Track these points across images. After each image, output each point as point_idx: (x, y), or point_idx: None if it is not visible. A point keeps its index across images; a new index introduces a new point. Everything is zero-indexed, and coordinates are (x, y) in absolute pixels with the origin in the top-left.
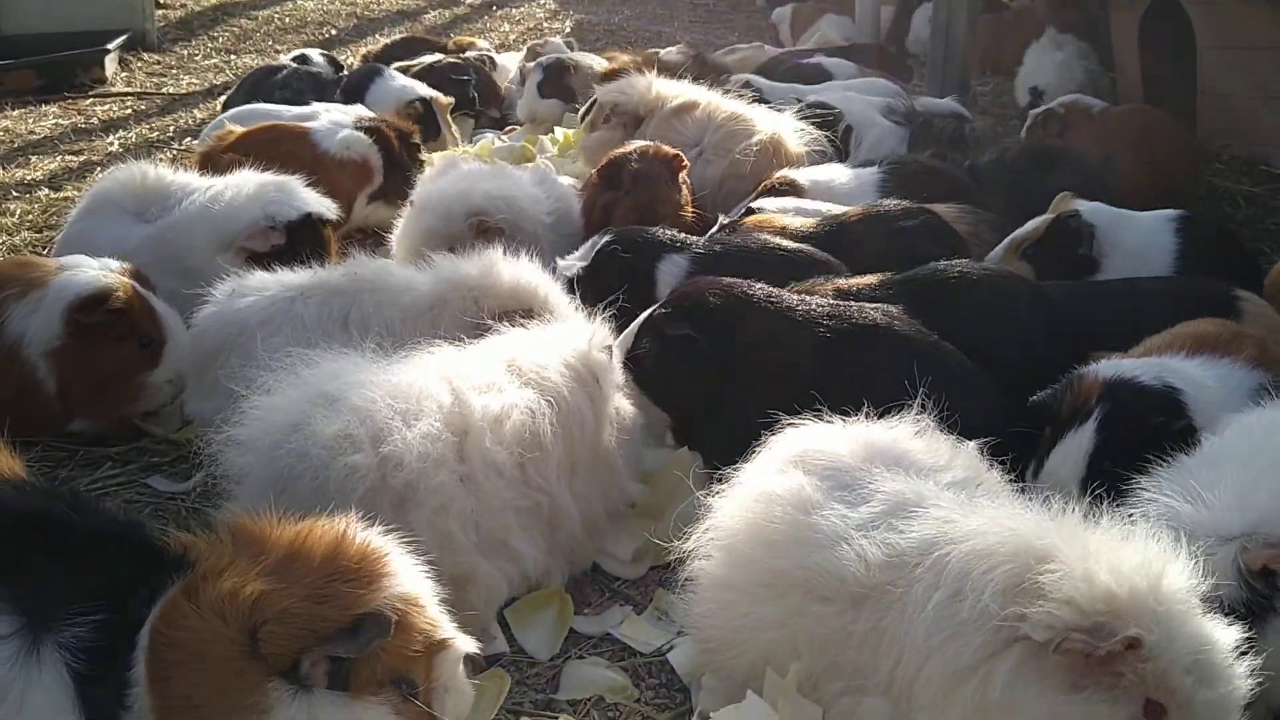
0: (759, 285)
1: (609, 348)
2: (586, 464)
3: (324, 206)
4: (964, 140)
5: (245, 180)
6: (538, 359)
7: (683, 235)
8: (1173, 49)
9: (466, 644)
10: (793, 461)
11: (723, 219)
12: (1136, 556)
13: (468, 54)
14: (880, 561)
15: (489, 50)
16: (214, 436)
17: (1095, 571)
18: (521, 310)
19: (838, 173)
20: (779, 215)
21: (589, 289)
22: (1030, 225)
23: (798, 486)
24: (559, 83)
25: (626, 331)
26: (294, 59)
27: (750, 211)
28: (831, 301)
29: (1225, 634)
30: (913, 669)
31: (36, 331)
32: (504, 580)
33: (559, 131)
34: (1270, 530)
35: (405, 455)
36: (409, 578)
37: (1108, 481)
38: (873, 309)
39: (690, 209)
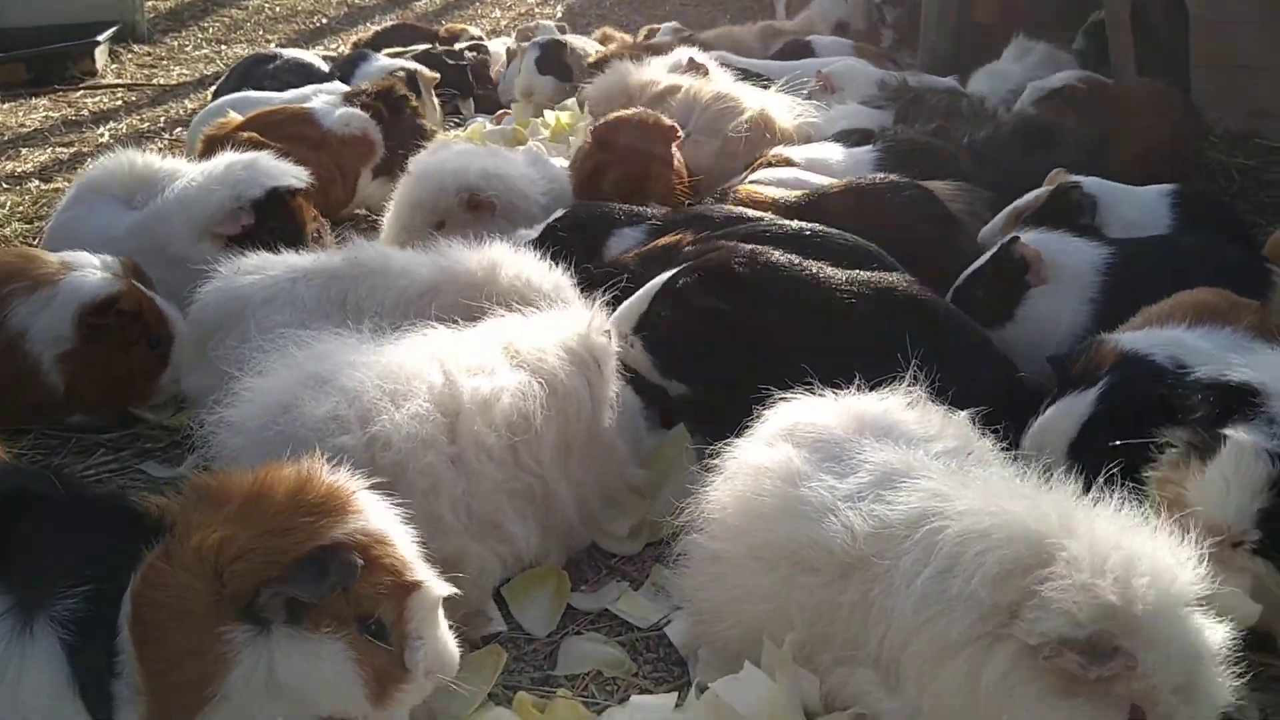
0: (780, 253)
1: (609, 332)
2: (583, 447)
3: (291, 177)
4: (960, 115)
5: (218, 162)
6: (534, 342)
7: (642, 209)
8: (1165, 22)
9: (442, 588)
10: (782, 435)
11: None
12: (1145, 562)
13: (460, 42)
14: (867, 533)
15: (480, 36)
16: (206, 417)
17: (1097, 584)
18: (524, 306)
19: (832, 150)
20: (766, 189)
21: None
22: (1030, 196)
23: (786, 459)
24: (557, 60)
25: (637, 296)
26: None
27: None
28: (850, 272)
29: (1216, 642)
30: (899, 642)
31: (43, 330)
32: (497, 561)
33: (550, 115)
34: None
35: (393, 436)
36: (377, 515)
37: (1097, 453)
38: (892, 278)
39: (683, 185)
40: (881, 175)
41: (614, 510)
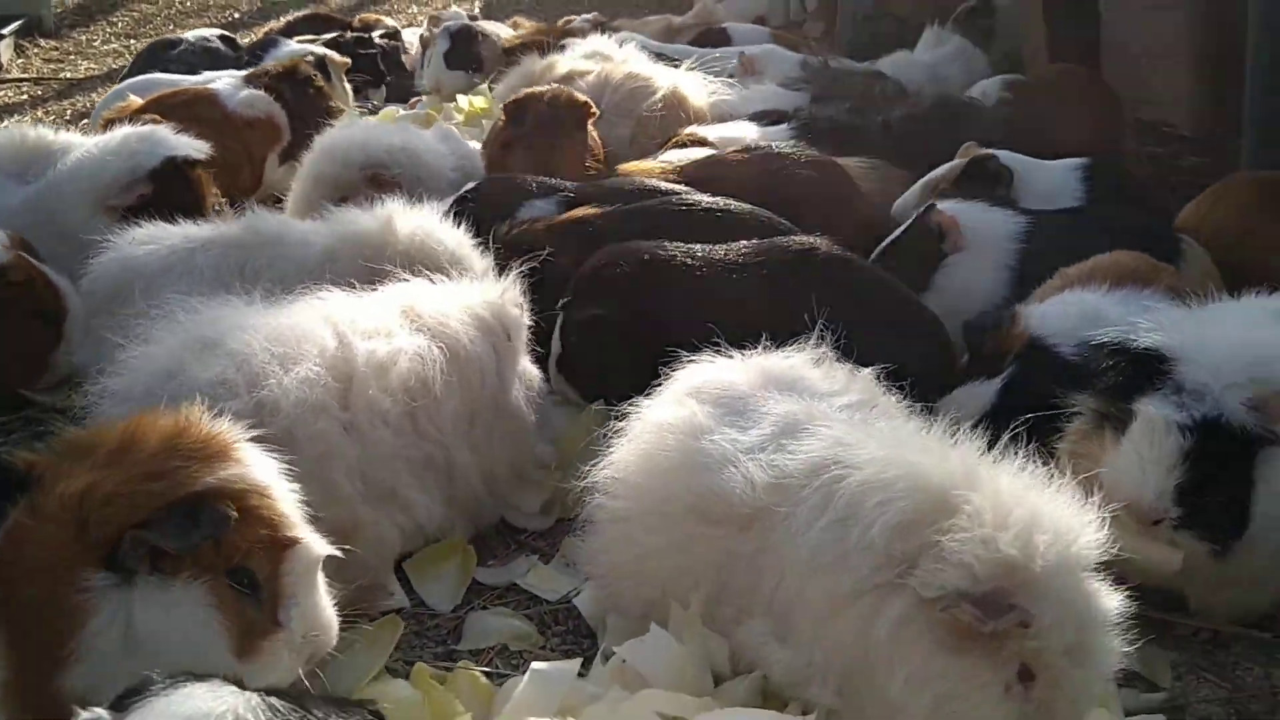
0: (667, 244)
1: (522, 304)
2: (487, 417)
3: (189, 148)
4: (877, 97)
5: (114, 134)
6: (437, 306)
7: (555, 181)
8: (1075, 12)
9: (320, 546)
10: (688, 393)
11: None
12: (1046, 521)
13: (374, 32)
14: (766, 483)
15: (396, 28)
16: (90, 388)
17: (998, 538)
18: (426, 266)
19: (747, 129)
20: (652, 163)
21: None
22: (944, 168)
23: (689, 414)
24: (467, 50)
25: (553, 341)
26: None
27: None
28: (747, 246)
29: (1111, 607)
30: (794, 590)
31: None
32: (395, 531)
33: (464, 100)
34: None
35: (281, 400)
36: (259, 467)
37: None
38: (801, 243)
39: (597, 161)
40: (783, 145)
41: (524, 485)
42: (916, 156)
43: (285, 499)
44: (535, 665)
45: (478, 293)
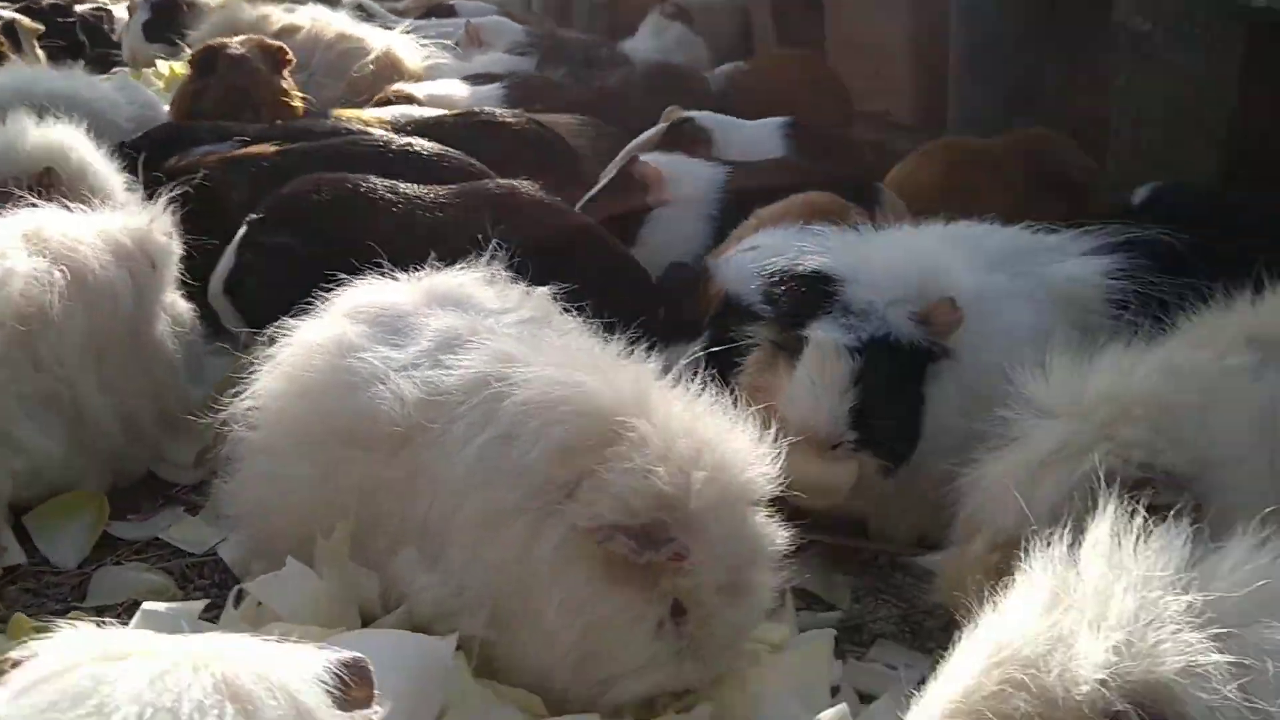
0: (372, 178)
1: (172, 234)
2: (121, 353)
3: None
4: (596, 63)
5: None
6: (66, 230)
7: (232, 125)
8: (802, 5)
9: None
10: (343, 314)
11: None
12: (708, 456)
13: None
14: (418, 399)
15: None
16: None
17: (656, 472)
18: (50, 175)
19: (457, 87)
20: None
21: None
22: (647, 133)
23: (339, 332)
24: (169, 22)
25: (224, 256)
26: None
27: None
28: (451, 187)
29: (770, 544)
30: (447, 510)
31: None
32: (5, 475)
33: (164, 65)
34: None
35: None
36: None
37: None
38: (502, 185)
39: (299, 100)
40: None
41: (175, 434)
42: (630, 118)
43: None
44: (146, 605)
45: (119, 219)
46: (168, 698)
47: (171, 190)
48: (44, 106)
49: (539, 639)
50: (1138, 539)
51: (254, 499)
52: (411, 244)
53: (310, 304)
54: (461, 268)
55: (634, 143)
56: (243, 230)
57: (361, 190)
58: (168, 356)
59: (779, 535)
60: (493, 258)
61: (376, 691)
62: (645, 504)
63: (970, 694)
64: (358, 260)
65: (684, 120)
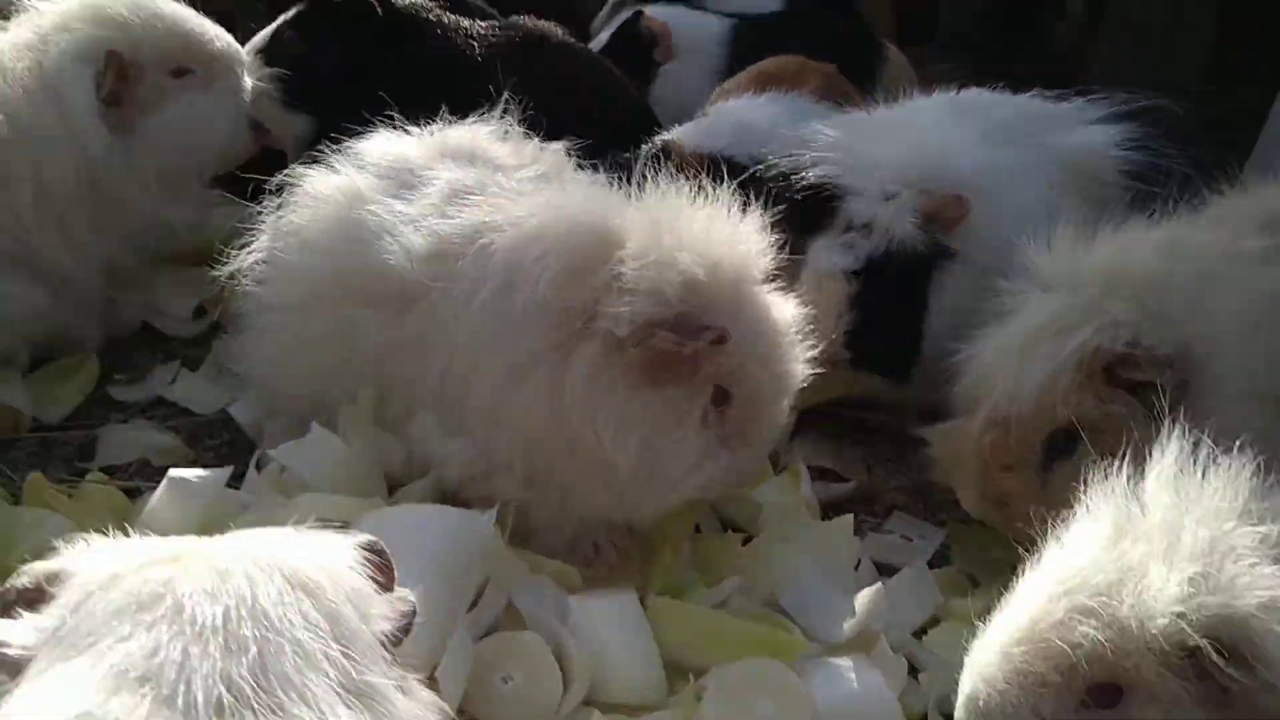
0: None
1: None
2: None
3: None
4: None
5: None
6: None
7: None
8: None
9: None
10: (353, 165)
11: None
12: (718, 236)
13: None
14: (425, 253)
15: None
16: None
17: (678, 258)
18: None
19: None
20: None
21: None
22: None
23: (349, 183)
24: None
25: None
26: None
27: None
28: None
29: (789, 315)
30: (465, 371)
31: None
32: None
33: None
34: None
35: None
36: None
37: None
38: (540, 25)
39: None
40: None
41: (173, 281)
42: None
43: None
44: (173, 472)
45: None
46: (245, 591)
47: None
48: None
49: (592, 473)
50: (1204, 471)
51: (265, 357)
52: (458, 67)
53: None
54: (475, 120)
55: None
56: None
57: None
58: (131, 193)
59: (791, 306)
60: (506, 110)
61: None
62: (678, 292)
63: (1037, 623)
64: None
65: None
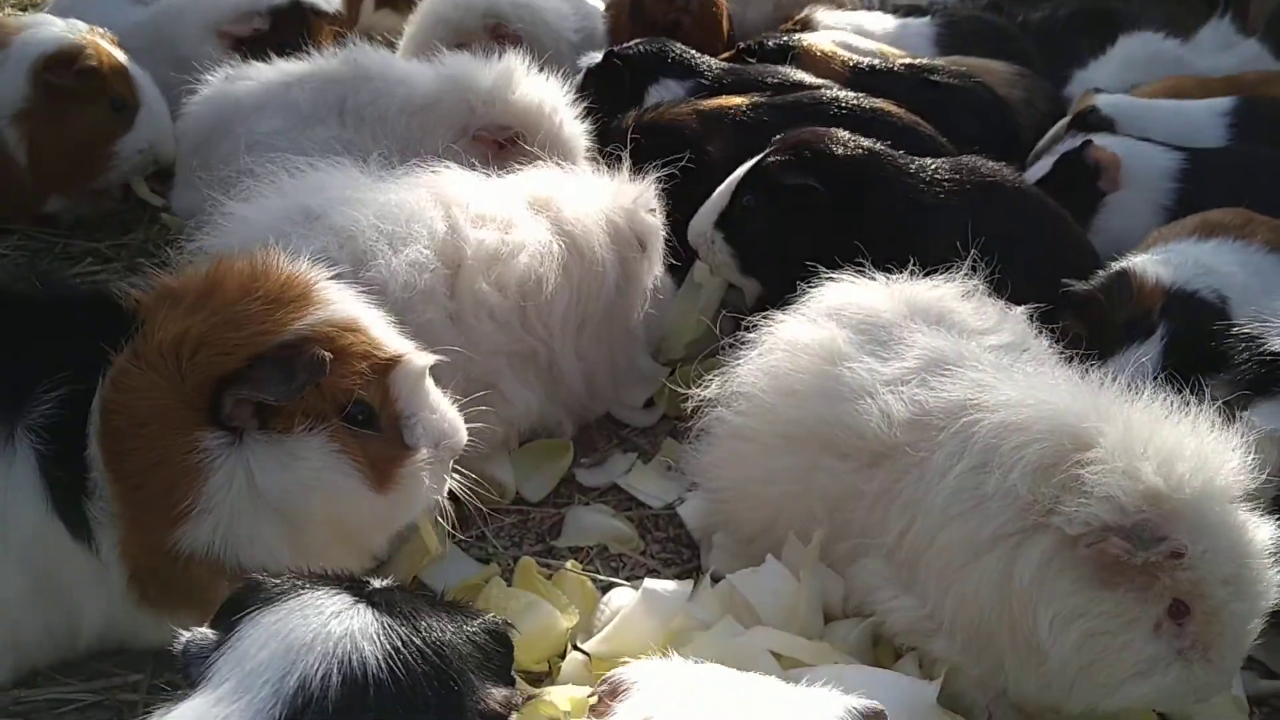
0: (876, 142)
1: (657, 210)
2: (599, 324)
3: None
4: None
5: None
6: (574, 204)
7: (696, 59)
8: None
9: (423, 358)
10: (827, 314)
11: None
12: (1188, 450)
13: None
14: (904, 420)
15: None
16: (186, 244)
17: (1140, 468)
18: (522, 131)
19: (882, 21)
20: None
21: (589, 90)
22: (1059, 124)
23: (828, 337)
24: None
25: (719, 190)
26: None
27: None
28: (953, 162)
29: (1264, 537)
30: (926, 537)
31: (1, 95)
32: (495, 420)
33: None
34: None
35: (390, 283)
36: (342, 302)
37: None
38: (991, 168)
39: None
40: (947, 63)
41: (630, 377)
42: (1052, 58)
43: (374, 324)
44: (648, 583)
45: (612, 194)
46: None
47: (656, 155)
48: (506, 16)
49: (1029, 658)
50: None
51: (723, 476)
52: (914, 216)
53: (809, 254)
54: (939, 277)
55: (1050, 134)
56: (749, 168)
57: (875, 152)
58: (633, 328)
59: (1268, 529)
60: (973, 267)
61: None
62: (1135, 501)
63: None
64: (865, 221)
65: (1089, 110)
